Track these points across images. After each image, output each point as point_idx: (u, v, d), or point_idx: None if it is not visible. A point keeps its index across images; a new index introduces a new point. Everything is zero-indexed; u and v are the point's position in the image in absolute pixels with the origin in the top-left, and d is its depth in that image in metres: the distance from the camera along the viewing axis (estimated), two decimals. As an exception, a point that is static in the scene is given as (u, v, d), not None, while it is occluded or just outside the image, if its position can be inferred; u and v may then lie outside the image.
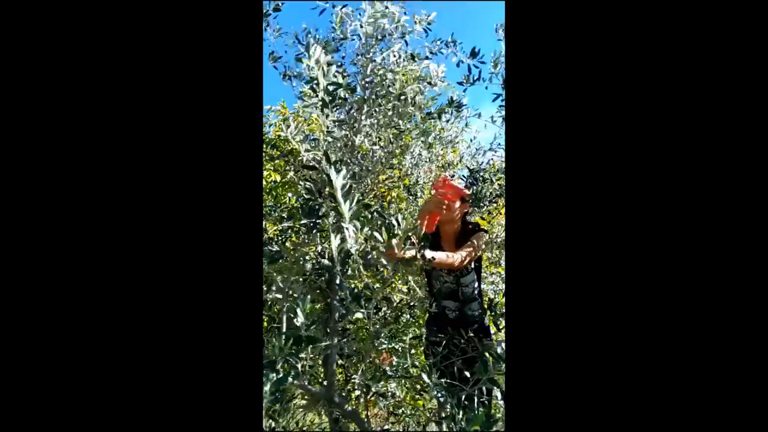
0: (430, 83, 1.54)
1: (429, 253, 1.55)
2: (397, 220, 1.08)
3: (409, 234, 1.11)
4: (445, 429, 1.04)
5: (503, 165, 2.21)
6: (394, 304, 2.10)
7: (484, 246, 1.85)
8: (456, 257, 1.68)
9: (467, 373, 1.12)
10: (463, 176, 2.26)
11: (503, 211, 2.30)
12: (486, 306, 1.91)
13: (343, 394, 1.66)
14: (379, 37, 1.65)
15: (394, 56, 1.61)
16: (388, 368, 1.48)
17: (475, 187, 2.12)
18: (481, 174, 2.04)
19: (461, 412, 1.02)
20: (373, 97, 1.60)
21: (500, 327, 1.40)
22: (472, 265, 1.86)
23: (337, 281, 1.29)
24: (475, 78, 1.52)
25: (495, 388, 1.00)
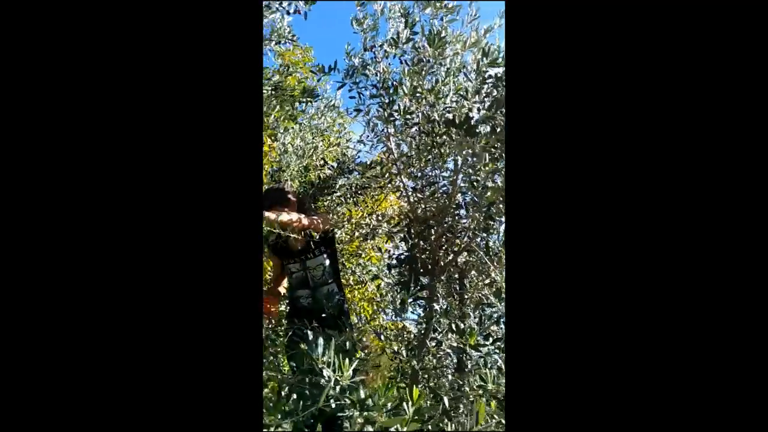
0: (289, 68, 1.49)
1: (278, 213, 1.61)
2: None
3: None
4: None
5: (373, 158, 2.23)
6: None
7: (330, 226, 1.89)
8: (305, 219, 1.72)
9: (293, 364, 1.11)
10: (332, 166, 2.25)
11: (370, 202, 2.34)
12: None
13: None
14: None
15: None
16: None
17: (342, 179, 2.13)
18: (347, 165, 2.05)
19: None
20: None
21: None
22: (321, 249, 1.88)
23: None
24: (332, 67, 1.53)
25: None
